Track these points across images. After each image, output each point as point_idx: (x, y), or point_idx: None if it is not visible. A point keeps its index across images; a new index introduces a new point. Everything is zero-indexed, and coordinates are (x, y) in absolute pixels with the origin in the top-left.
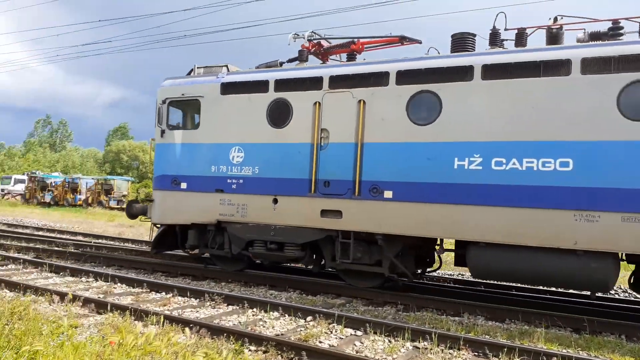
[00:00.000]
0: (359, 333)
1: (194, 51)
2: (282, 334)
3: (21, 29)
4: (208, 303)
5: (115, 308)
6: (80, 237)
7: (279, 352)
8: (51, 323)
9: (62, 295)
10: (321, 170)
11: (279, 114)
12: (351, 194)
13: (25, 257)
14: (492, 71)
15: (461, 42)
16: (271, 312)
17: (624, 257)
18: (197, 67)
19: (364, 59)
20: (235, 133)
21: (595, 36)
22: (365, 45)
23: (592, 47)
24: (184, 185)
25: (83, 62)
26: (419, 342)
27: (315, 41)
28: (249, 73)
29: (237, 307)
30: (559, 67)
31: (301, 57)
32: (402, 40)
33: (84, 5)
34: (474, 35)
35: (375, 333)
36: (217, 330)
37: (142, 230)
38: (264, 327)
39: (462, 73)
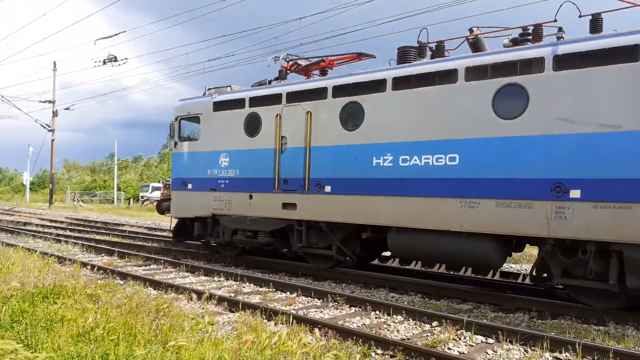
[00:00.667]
0: (490, 341)
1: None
2: (407, 339)
3: (154, 50)
4: (331, 304)
5: (247, 307)
6: None
7: (407, 357)
8: (190, 320)
9: (199, 294)
10: (281, 170)
11: (252, 125)
12: (302, 190)
13: (165, 257)
14: (400, 83)
15: (403, 54)
16: (395, 316)
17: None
18: (208, 89)
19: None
20: (223, 142)
21: (515, 42)
22: (334, 62)
23: (473, 57)
24: (190, 186)
25: (209, 77)
26: (560, 352)
27: (291, 62)
28: (233, 93)
29: (360, 309)
30: (449, 76)
31: (281, 76)
32: (360, 56)
33: (210, 24)
34: (417, 47)
35: (509, 341)
36: (344, 332)
37: None
38: (388, 330)
39: (378, 86)
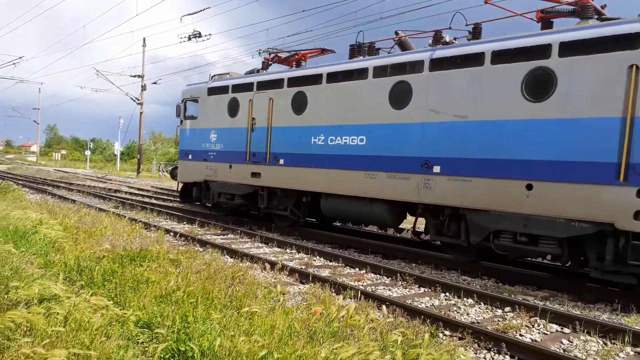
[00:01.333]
0: (566, 330)
1: (390, 31)
2: (477, 322)
3: (236, 26)
4: (400, 282)
5: (317, 279)
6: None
7: (476, 341)
8: (263, 288)
9: (272, 264)
10: (252, 145)
11: (233, 108)
12: (265, 162)
13: (241, 228)
14: (331, 77)
15: (353, 50)
16: (465, 299)
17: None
18: (212, 76)
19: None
20: (213, 121)
21: (437, 41)
22: (307, 55)
23: (380, 58)
24: (190, 157)
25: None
26: None
27: (272, 55)
28: (224, 80)
29: (429, 290)
30: (363, 73)
31: (264, 67)
32: (323, 51)
33: (291, 0)
34: (367, 44)
35: (586, 332)
36: (412, 311)
37: None
38: (457, 312)
39: (317, 79)
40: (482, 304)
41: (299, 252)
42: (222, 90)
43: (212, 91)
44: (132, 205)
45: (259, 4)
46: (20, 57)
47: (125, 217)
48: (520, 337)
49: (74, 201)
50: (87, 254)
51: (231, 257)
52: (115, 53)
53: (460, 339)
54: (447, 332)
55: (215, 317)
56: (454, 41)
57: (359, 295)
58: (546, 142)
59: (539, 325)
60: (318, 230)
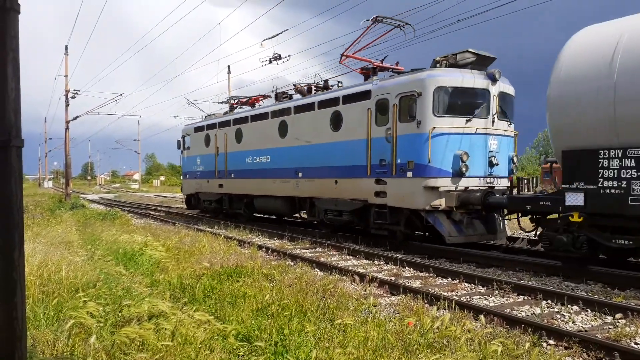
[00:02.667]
0: None
1: (468, 34)
2: (585, 330)
3: (313, 45)
4: (496, 291)
5: (407, 290)
6: None
7: (584, 350)
8: (354, 300)
9: (362, 276)
10: (218, 165)
11: (207, 140)
12: (224, 176)
13: (328, 241)
14: (252, 118)
15: (279, 95)
16: (569, 306)
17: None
18: (204, 116)
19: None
20: (197, 150)
21: (303, 93)
22: (259, 99)
23: (273, 106)
24: (187, 176)
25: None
26: None
27: (236, 100)
28: (205, 121)
29: (529, 298)
30: (265, 115)
31: (230, 109)
32: (264, 97)
33: (364, 13)
34: (279, 92)
35: None
36: (511, 321)
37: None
38: (562, 321)
39: (246, 119)
40: (589, 311)
41: (387, 263)
42: (201, 128)
43: (196, 129)
44: (226, 224)
45: (333, 21)
46: (120, 94)
47: (220, 235)
48: (635, 346)
49: (174, 223)
50: (188, 272)
51: (321, 270)
52: (203, 82)
53: (566, 348)
54: (551, 342)
55: (309, 329)
56: (330, 86)
57: (453, 305)
58: (341, 155)
59: None
60: (408, 242)
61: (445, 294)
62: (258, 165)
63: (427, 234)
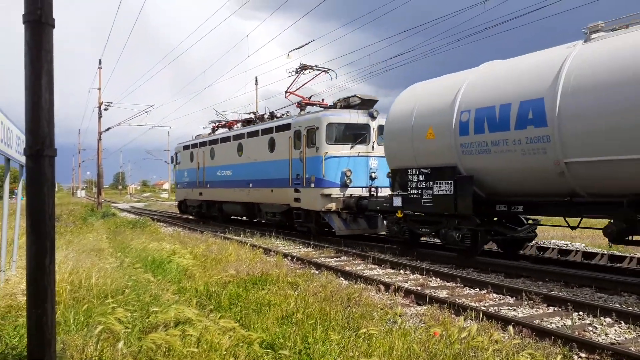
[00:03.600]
0: None
1: (496, 41)
2: (618, 343)
3: (340, 55)
4: (525, 302)
5: (434, 300)
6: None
7: None
8: (379, 310)
9: (387, 285)
10: (198, 177)
11: (192, 157)
12: (203, 186)
13: (353, 250)
14: (221, 140)
15: (245, 122)
16: (602, 318)
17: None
18: (195, 135)
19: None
20: (185, 165)
21: (258, 120)
22: (234, 123)
23: (234, 131)
24: (179, 186)
25: (391, 73)
26: None
27: (216, 122)
28: (189, 142)
29: (559, 309)
30: (229, 138)
31: (212, 131)
32: (236, 122)
33: (390, 23)
34: (245, 119)
35: None
36: (541, 332)
37: None
38: (594, 333)
39: (217, 141)
40: (623, 323)
41: (413, 273)
42: (187, 147)
43: (184, 148)
44: (251, 232)
45: (360, 31)
46: (151, 106)
47: (247, 244)
48: None
49: (202, 232)
50: (214, 280)
51: (345, 279)
52: (231, 93)
53: None
54: (582, 354)
55: (334, 338)
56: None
57: (481, 316)
58: (274, 170)
59: None
60: (432, 251)
61: (473, 304)
62: (225, 177)
63: (326, 229)
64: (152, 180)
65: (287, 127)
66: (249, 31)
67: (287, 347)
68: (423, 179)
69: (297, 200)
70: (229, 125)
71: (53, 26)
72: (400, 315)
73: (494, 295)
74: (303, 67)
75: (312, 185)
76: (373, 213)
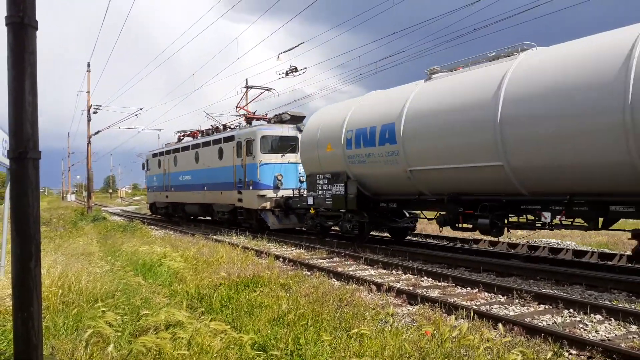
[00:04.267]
0: None
1: (486, 42)
2: (608, 340)
3: (330, 57)
4: (517, 300)
5: (425, 300)
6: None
7: None
8: (371, 310)
9: (379, 286)
10: (165, 181)
11: (159, 163)
12: (169, 190)
13: (346, 251)
14: (183, 149)
15: (205, 132)
16: (592, 315)
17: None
18: (165, 144)
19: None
20: (154, 171)
21: (214, 131)
22: (197, 133)
23: (193, 141)
24: (149, 190)
25: (380, 75)
26: None
27: (181, 133)
28: (157, 150)
29: (550, 307)
30: (188, 148)
31: (178, 140)
32: (198, 132)
33: (379, 25)
34: (204, 129)
35: None
36: (532, 330)
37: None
38: (584, 330)
39: (178, 150)
40: (613, 320)
41: (405, 273)
42: (155, 155)
43: (154, 155)
44: (244, 234)
45: (350, 33)
46: (140, 109)
47: (238, 246)
48: None
49: (193, 235)
50: (206, 283)
51: (337, 280)
52: (221, 95)
53: (589, 358)
54: (573, 351)
55: (325, 338)
56: (227, 127)
57: (472, 314)
58: (223, 175)
59: None
60: (423, 250)
61: (464, 303)
62: (185, 182)
63: (265, 224)
64: (142, 184)
65: (231, 138)
66: (238, 34)
67: (279, 349)
68: (326, 182)
69: (240, 200)
70: (192, 134)
71: (36, 28)
72: (392, 315)
73: (486, 294)
74: (248, 87)
75: (251, 187)
76: (299, 210)
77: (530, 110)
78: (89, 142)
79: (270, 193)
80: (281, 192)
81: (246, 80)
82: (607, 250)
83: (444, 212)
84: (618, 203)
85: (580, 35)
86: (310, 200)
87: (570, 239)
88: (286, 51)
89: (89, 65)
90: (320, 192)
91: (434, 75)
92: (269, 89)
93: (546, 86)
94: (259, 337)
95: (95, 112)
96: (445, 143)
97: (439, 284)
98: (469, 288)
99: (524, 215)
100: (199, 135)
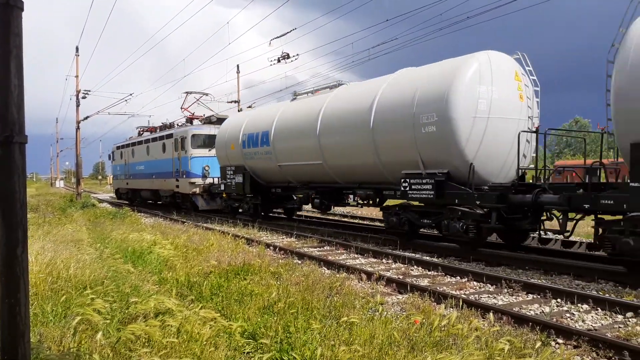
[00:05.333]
0: None
1: (478, 30)
2: (595, 329)
3: (323, 44)
4: (505, 290)
5: (415, 289)
6: (377, 223)
7: (594, 349)
8: (361, 298)
9: (369, 274)
10: (126, 170)
11: (121, 155)
12: (130, 177)
13: (336, 240)
14: (139, 143)
15: (162, 127)
16: (579, 305)
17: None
18: (128, 137)
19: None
20: (118, 162)
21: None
22: (156, 128)
23: (145, 137)
24: (114, 178)
25: (373, 62)
26: None
27: (141, 128)
28: (120, 143)
29: (538, 296)
30: (142, 142)
31: (139, 134)
32: (158, 128)
33: (373, 11)
34: (153, 127)
35: None
36: (520, 319)
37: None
38: (571, 319)
39: (136, 143)
40: (600, 310)
41: (395, 262)
42: (119, 147)
43: (117, 147)
44: (234, 222)
45: (342, 20)
46: (130, 94)
47: (229, 234)
48: None
49: (183, 222)
50: (196, 270)
51: (328, 269)
52: (213, 81)
53: (575, 347)
54: (560, 340)
55: (315, 327)
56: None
57: (461, 304)
58: (165, 166)
59: None
60: (417, 241)
61: (453, 292)
62: (140, 171)
63: (196, 206)
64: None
65: (171, 135)
66: (229, 18)
67: (269, 337)
68: (232, 173)
69: (177, 187)
70: (149, 130)
71: (22, 9)
72: (381, 304)
73: (475, 283)
74: (188, 92)
75: (184, 176)
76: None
77: (332, 125)
78: (77, 128)
79: (199, 181)
80: (208, 180)
81: (237, 65)
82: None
83: (301, 195)
84: (386, 189)
85: (571, 23)
86: (222, 187)
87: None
88: (278, 37)
89: (77, 49)
90: (228, 181)
91: (297, 97)
92: (206, 94)
93: (339, 108)
94: (248, 325)
95: (84, 97)
96: (294, 145)
97: (429, 273)
98: (458, 277)
99: (341, 197)
100: (155, 131)
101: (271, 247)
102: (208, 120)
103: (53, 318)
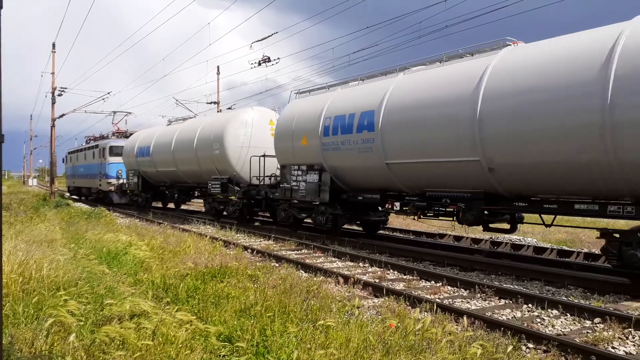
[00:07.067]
0: None
1: (457, 38)
2: (564, 334)
3: (304, 48)
4: (478, 295)
5: (391, 293)
6: (354, 227)
7: (562, 354)
8: (338, 302)
9: (346, 278)
10: (73, 172)
11: (71, 159)
12: (75, 177)
13: (314, 243)
14: (82, 150)
15: (101, 137)
16: (549, 310)
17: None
18: (80, 144)
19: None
20: (70, 164)
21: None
22: (110, 134)
23: (95, 143)
24: (67, 177)
25: (354, 68)
26: None
27: (90, 137)
28: (72, 148)
29: (510, 302)
30: (91, 148)
31: (87, 142)
32: (97, 138)
33: (354, 18)
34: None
35: None
36: (492, 324)
37: (408, 221)
38: (541, 324)
39: (80, 150)
40: (569, 315)
41: (372, 265)
42: (70, 153)
43: (69, 153)
44: (212, 224)
45: (324, 25)
46: (108, 93)
47: (206, 236)
48: (612, 350)
49: (159, 223)
50: (172, 272)
51: (305, 272)
52: (192, 82)
53: (545, 351)
54: (530, 345)
55: (292, 330)
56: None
57: (435, 308)
58: (96, 169)
59: (633, 337)
60: (390, 244)
61: (428, 296)
62: (81, 172)
63: (112, 200)
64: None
65: (97, 146)
66: (210, 19)
67: (245, 340)
68: (132, 175)
69: (100, 185)
70: (94, 139)
71: (1, 6)
72: (357, 307)
73: (449, 287)
74: (115, 112)
75: (105, 178)
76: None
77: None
78: (53, 126)
79: (114, 181)
80: (120, 181)
81: (217, 67)
82: (565, 248)
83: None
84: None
85: (548, 36)
86: (127, 185)
87: (532, 236)
88: (259, 40)
89: (54, 45)
90: (130, 180)
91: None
92: (129, 113)
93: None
94: (225, 328)
95: (60, 95)
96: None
97: (405, 277)
98: (433, 282)
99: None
100: (100, 140)
101: (249, 250)
102: (124, 135)
103: (25, 319)
